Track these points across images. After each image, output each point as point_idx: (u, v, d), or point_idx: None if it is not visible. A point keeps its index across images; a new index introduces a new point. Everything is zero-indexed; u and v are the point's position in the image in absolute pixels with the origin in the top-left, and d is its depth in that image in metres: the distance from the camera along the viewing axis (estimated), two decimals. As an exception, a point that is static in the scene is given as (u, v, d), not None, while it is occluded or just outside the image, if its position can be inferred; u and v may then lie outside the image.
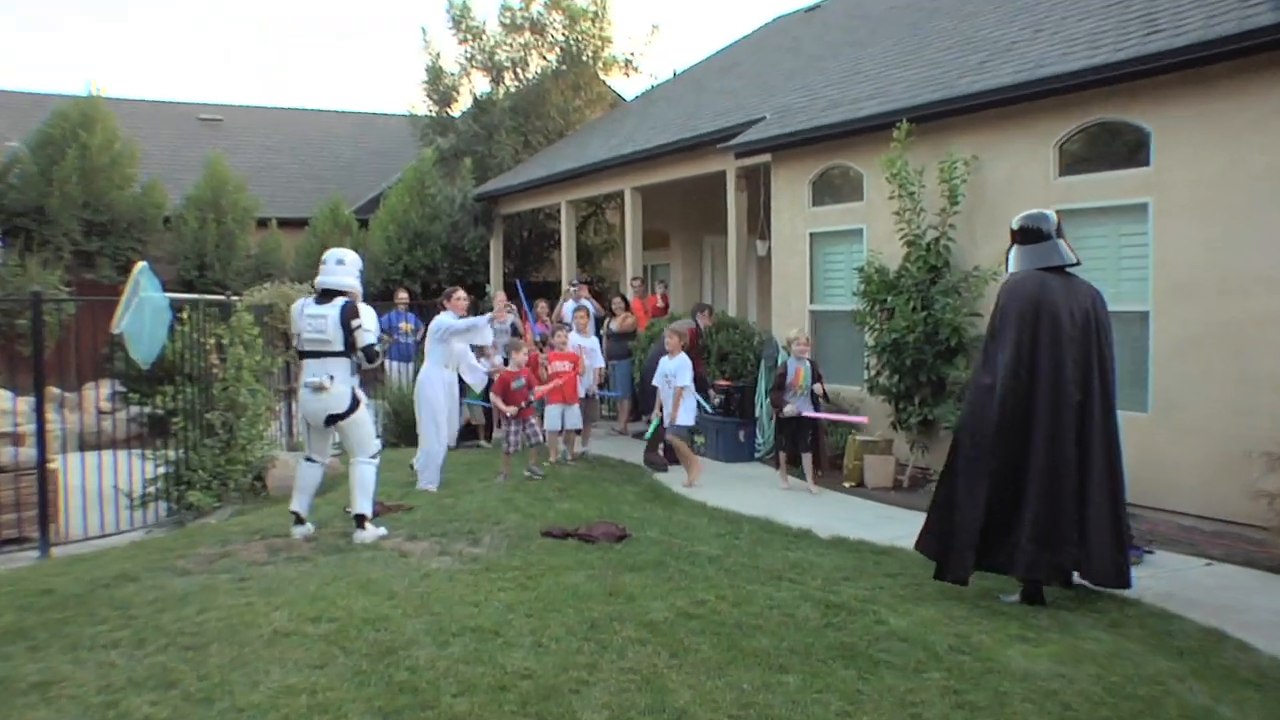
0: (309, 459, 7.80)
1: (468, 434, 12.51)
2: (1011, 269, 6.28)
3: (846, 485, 9.88)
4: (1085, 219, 8.68)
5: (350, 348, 7.49)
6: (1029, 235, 6.24)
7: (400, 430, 12.50)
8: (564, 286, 14.87)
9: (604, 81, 23.86)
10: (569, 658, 4.92)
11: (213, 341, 9.71)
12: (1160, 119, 8.09)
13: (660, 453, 10.88)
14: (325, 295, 7.56)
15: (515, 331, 13.81)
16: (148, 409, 9.60)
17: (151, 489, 9.26)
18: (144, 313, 8.28)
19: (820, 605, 5.78)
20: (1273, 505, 6.78)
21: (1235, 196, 7.62)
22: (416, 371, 12.30)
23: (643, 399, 10.59)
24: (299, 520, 7.68)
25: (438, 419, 9.63)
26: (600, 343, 13.92)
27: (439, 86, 22.20)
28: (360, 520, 7.53)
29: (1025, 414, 5.86)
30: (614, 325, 13.82)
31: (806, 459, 9.63)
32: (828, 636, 5.27)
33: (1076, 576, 5.97)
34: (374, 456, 7.70)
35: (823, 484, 9.92)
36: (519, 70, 22.33)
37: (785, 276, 12.06)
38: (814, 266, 11.71)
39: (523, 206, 19.47)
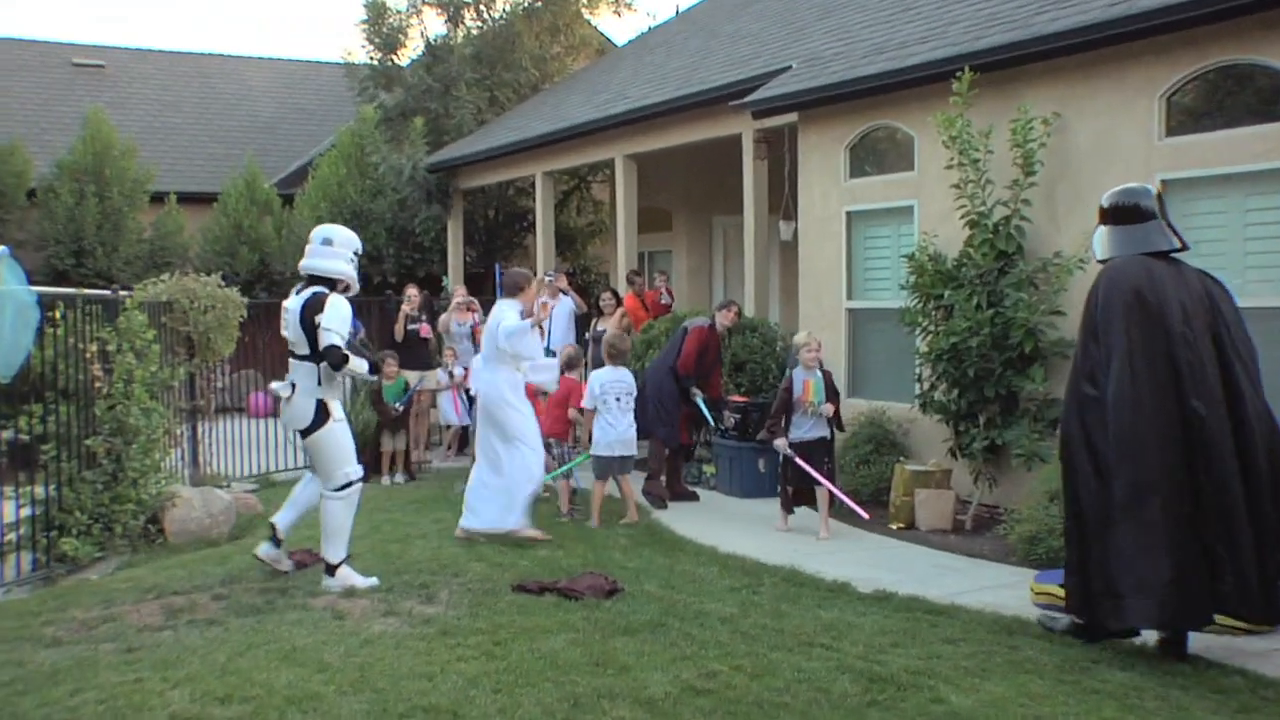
0: (311, 470, 8.00)
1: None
2: (1102, 255, 6.39)
3: (894, 527, 9.84)
4: (1200, 190, 8.65)
5: (317, 351, 7.51)
6: (1126, 214, 6.37)
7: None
8: (539, 278, 14.81)
9: (589, 22, 23.91)
10: (546, 746, 4.87)
11: (95, 348, 9.63)
12: (1298, 62, 8.05)
13: (664, 482, 10.84)
14: (308, 283, 7.64)
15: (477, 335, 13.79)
16: (8, 434, 9.51)
17: (12, 536, 9.16)
18: (2, 312, 8.21)
19: (862, 678, 5.72)
20: None
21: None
22: (375, 390, 12.36)
23: (642, 416, 10.54)
24: (273, 534, 7.86)
25: (520, 436, 9.27)
26: (587, 348, 13.90)
27: (382, 28, 22.21)
28: (329, 568, 7.60)
29: (1139, 434, 5.95)
30: (603, 327, 13.78)
31: (820, 494, 9.59)
32: (871, 718, 5.21)
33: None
34: (342, 489, 7.69)
35: (866, 526, 9.87)
36: (483, 7, 22.35)
37: (815, 266, 12.03)
38: (852, 253, 11.69)
39: (488, 179, 19.45)
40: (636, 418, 10.30)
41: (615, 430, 10.04)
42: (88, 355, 9.46)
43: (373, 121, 20.46)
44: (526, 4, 22.43)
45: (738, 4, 18.84)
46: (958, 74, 9.65)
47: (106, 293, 10.43)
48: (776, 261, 15.41)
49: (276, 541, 7.89)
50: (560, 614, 6.88)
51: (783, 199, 13.21)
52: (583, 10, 23.42)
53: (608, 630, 6.54)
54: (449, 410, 13.93)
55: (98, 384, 9.50)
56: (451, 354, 13.85)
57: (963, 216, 9.82)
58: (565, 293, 14.28)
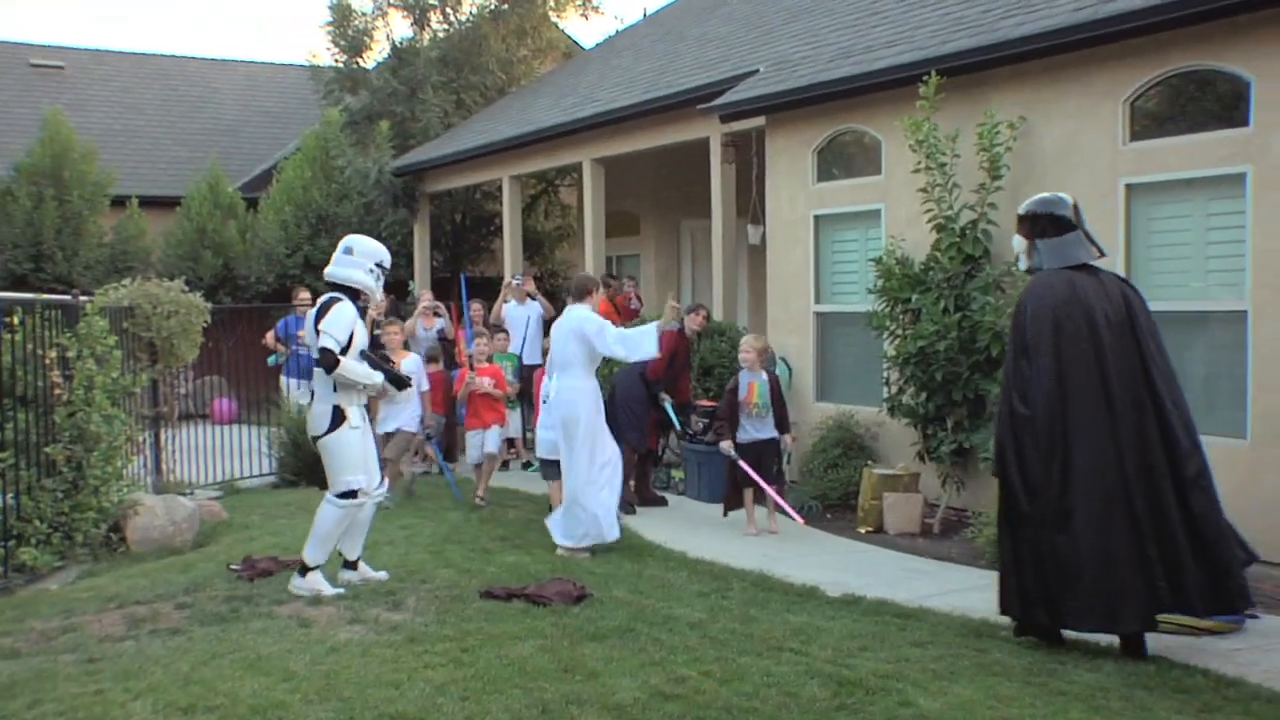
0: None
1: None
2: (1025, 266, 6.62)
3: (862, 530, 9.88)
4: (1164, 194, 8.74)
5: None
6: (1049, 225, 6.53)
7: (301, 466, 12.38)
8: (505, 282, 14.80)
9: (556, 25, 23.91)
10: (514, 753, 4.87)
11: (54, 354, 9.55)
12: (1264, 66, 8.15)
13: (633, 487, 10.85)
14: (328, 289, 7.80)
15: (444, 338, 13.76)
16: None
17: (-29, 545, 9.11)
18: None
19: (830, 682, 5.73)
20: None
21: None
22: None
23: (611, 422, 10.51)
24: (348, 565, 7.90)
25: (612, 456, 9.21)
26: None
27: (347, 30, 22.16)
28: (302, 569, 7.62)
29: (1070, 445, 6.15)
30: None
31: (772, 491, 9.69)
32: (841, 723, 5.22)
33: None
34: (344, 496, 7.67)
35: (834, 530, 9.91)
36: (449, 9, 22.31)
37: (783, 270, 12.07)
38: (819, 257, 11.73)
39: (454, 183, 19.41)
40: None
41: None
42: (47, 361, 9.39)
43: (338, 124, 20.39)
44: (493, 7, 22.42)
45: (705, 7, 18.89)
46: (924, 78, 9.71)
47: (66, 298, 10.35)
48: (745, 265, 15.45)
49: (349, 565, 7.90)
50: (528, 620, 6.87)
51: (750, 202, 13.26)
52: (549, 13, 23.43)
53: (576, 636, 6.53)
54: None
55: (57, 391, 9.42)
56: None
57: (930, 220, 9.88)
58: (533, 297, 14.28)
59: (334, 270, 7.76)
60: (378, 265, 7.82)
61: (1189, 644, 6.48)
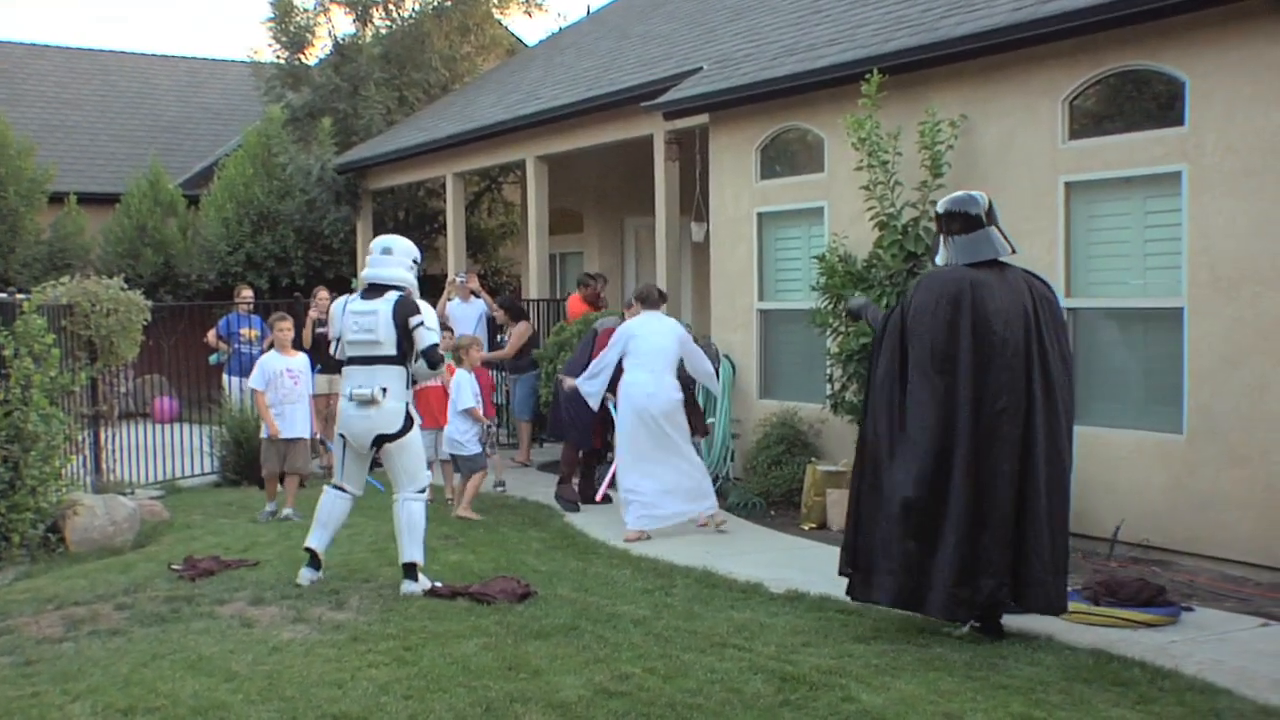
0: (337, 488, 7.89)
1: None
2: (941, 262, 6.82)
3: (806, 527, 9.92)
4: (1102, 192, 8.83)
5: (405, 353, 7.68)
6: (960, 222, 6.75)
7: (243, 465, 12.27)
8: (449, 279, 14.74)
9: (500, 22, 23.83)
10: (458, 752, 4.85)
11: (-9, 352, 9.42)
12: (1198, 66, 8.25)
13: (576, 486, 10.83)
14: (373, 290, 7.76)
15: None
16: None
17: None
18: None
19: (774, 678, 5.76)
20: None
21: (1290, 164, 7.81)
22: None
23: (555, 420, 10.50)
24: (313, 559, 7.81)
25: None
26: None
27: (288, 26, 21.95)
28: (409, 570, 7.64)
29: (941, 433, 6.42)
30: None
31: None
32: (784, 718, 5.25)
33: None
34: (423, 490, 7.83)
35: (777, 526, 9.96)
36: (392, 6, 22.18)
37: (727, 268, 12.10)
38: (763, 255, 11.77)
39: (397, 180, 19.31)
40: (550, 421, 10.51)
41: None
42: (-17, 360, 9.25)
43: (280, 121, 20.22)
44: (436, 3, 22.31)
45: (648, 5, 18.89)
46: (866, 76, 9.76)
47: (3, 296, 10.22)
48: (689, 262, 15.47)
49: (313, 560, 7.84)
50: (472, 619, 6.86)
51: (694, 200, 13.27)
52: (493, 10, 23.33)
53: (520, 634, 6.52)
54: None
55: (-6, 390, 9.28)
56: None
57: (872, 218, 9.93)
58: (476, 294, 14.21)
59: (380, 272, 7.79)
60: (415, 261, 7.97)
61: (1126, 637, 6.57)
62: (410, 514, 7.68)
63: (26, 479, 9.26)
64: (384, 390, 7.60)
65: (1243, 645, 6.50)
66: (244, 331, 13.99)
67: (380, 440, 7.70)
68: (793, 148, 11.53)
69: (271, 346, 13.77)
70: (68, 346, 11.06)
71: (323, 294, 14.11)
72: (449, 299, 14.02)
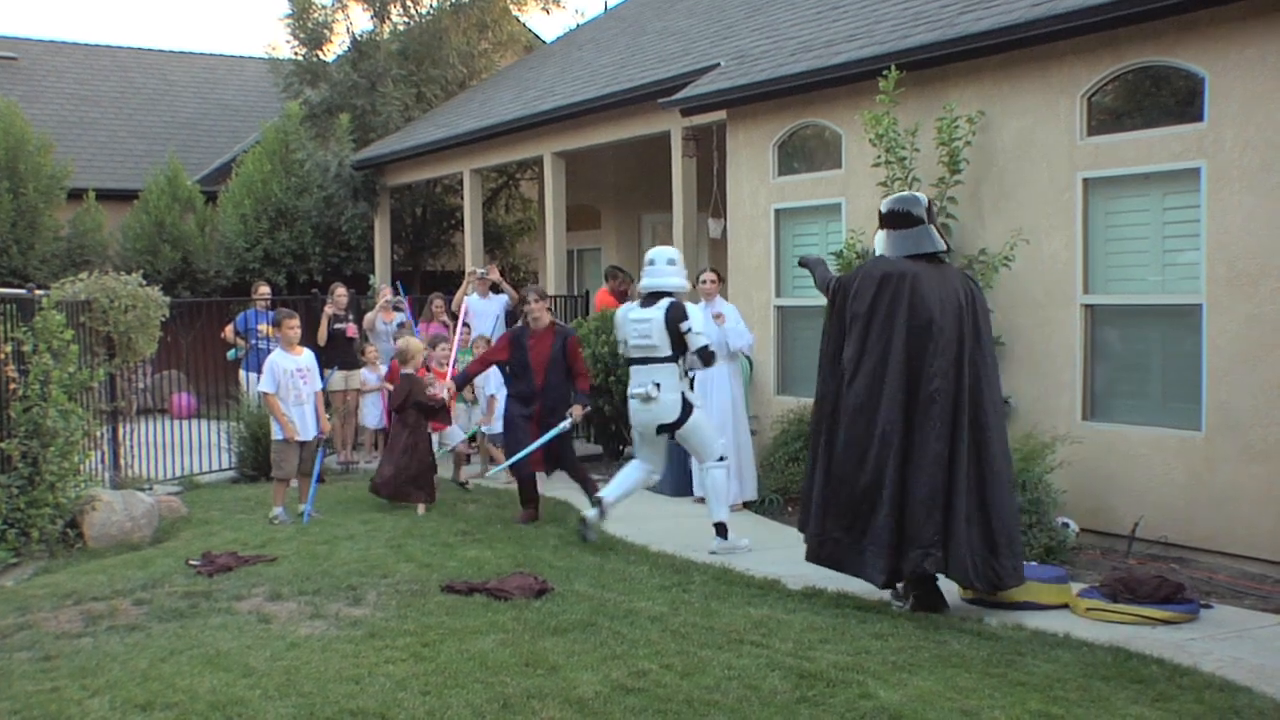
0: (641, 461, 9.20)
1: None
2: (880, 253, 7.29)
3: (824, 524, 9.91)
4: (1120, 189, 8.80)
5: (679, 352, 8.81)
6: (898, 220, 7.27)
7: (260, 461, 12.30)
8: (468, 272, 14.71)
9: (517, 19, 23.83)
10: (475, 748, 4.86)
11: (9, 349, 9.46)
12: (1218, 62, 8.21)
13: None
14: (650, 298, 8.94)
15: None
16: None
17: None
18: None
19: (791, 675, 5.77)
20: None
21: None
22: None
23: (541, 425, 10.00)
24: (598, 504, 8.97)
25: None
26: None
27: (306, 23, 21.98)
28: (721, 529, 8.82)
29: (874, 412, 6.89)
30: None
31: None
32: (801, 715, 5.25)
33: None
34: (722, 459, 9.00)
35: (794, 522, 9.93)
36: (409, 3, 22.21)
37: (744, 264, 12.08)
38: (780, 251, 11.75)
39: (415, 176, 19.34)
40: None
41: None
42: (1, 356, 9.29)
43: (298, 118, 20.26)
44: (454, 0, 22.31)
45: (666, 1, 18.88)
46: (884, 72, 9.74)
47: (22, 292, 10.25)
48: (706, 259, 15.44)
49: (602, 512, 8.97)
50: (489, 614, 6.87)
51: (711, 196, 13.26)
52: (510, 6, 23.33)
53: (537, 630, 6.54)
54: (371, 413, 13.69)
55: (13, 385, 9.32)
56: (373, 353, 13.69)
57: (890, 214, 9.90)
58: (498, 287, 14.14)
59: (664, 281, 8.94)
60: (669, 263, 9.07)
61: (1144, 634, 6.55)
62: (713, 480, 8.93)
63: (45, 475, 9.31)
64: (657, 386, 8.74)
65: (1262, 642, 6.48)
66: (261, 328, 14.02)
67: (663, 429, 8.88)
68: (810, 144, 11.51)
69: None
70: (86, 342, 11.10)
71: (340, 290, 14.14)
72: (467, 293, 14.01)
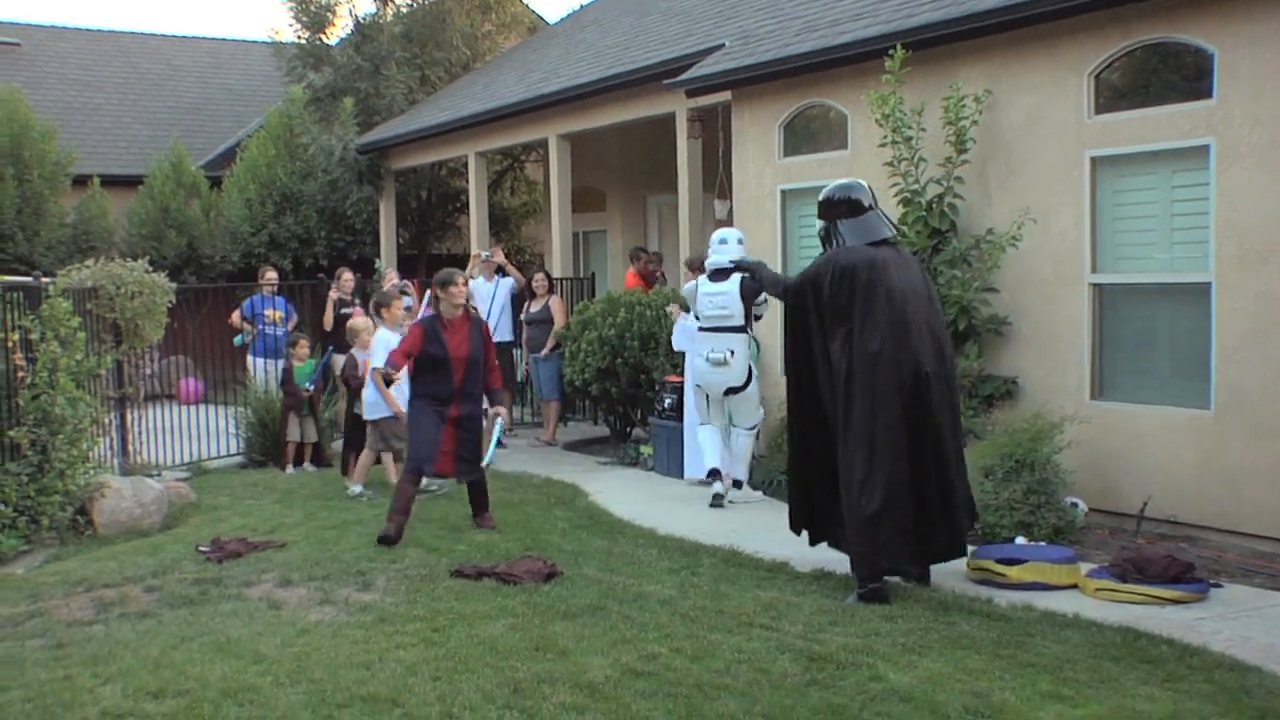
0: (704, 423, 10.12)
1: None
2: (838, 246, 7.31)
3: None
4: (1128, 167, 8.76)
5: (748, 323, 9.85)
6: (846, 208, 7.34)
7: (269, 446, 12.33)
8: (473, 255, 14.71)
9: (520, 0, 23.74)
10: (486, 733, 4.87)
11: (16, 337, 9.47)
12: (1227, 38, 8.16)
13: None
14: (719, 274, 9.74)
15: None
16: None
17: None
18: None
19: (801, 658, 5.78)
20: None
21: (1318, 136, 7.73)
22: (286, 370, 12.20)
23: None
24: (716, 475, 9.86)
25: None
26: (521, 330, 13.86)
27: (309, 6, 21.93)
28: (738, 484, 9.97)
29: (874, 396, 6.83)
30: (535, 308, 13.74)
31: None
32: (812, 697, 5.26)
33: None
34: (753, 428, 10.07)
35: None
36: (412, -15, 22.13)
37: (751, 245, 11.94)
38: (787, 231, 11.73)
39: (420, 160, 19.32)
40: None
41: None
42: (9, 344, 9.31)
43: (302, 102, 20.23)
44: (457, -19, 22.26)
45: (670, -19, 18.80)
46: (890, 52, 9.69)
47: (28, 279, 10.26)
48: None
49: (736, 484, 9.97)
50: (499, 599, 6.89)
51: (717, 177, 13.24)
52: (514, -13, 23.29)
53: (547, 615, 6.55)
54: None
55: (21, 373, 9.34)
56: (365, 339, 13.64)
57: (896, 195, 9.88)
58: (503, 270, 14.14)
59: (722, 259, 9.67)
60: (740, 241, 9.99)
61: (1153, 614, 6.55)
62: (741, 444, 10.05)
63: (55, 462, 9.34)
64: (732, 353, 9.70)
65: (1272, 621, 6.47)
66: (268, 313, 14.03)
67: (729, 390, 9.82)
68: (816, 124, 11.48)
69: (298, 327, 13.86)
70: (93, 329, 11.11)
71: (347, 275, 14.15)
72: (471, 276, 13.99)
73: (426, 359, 8.75)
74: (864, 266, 6.98)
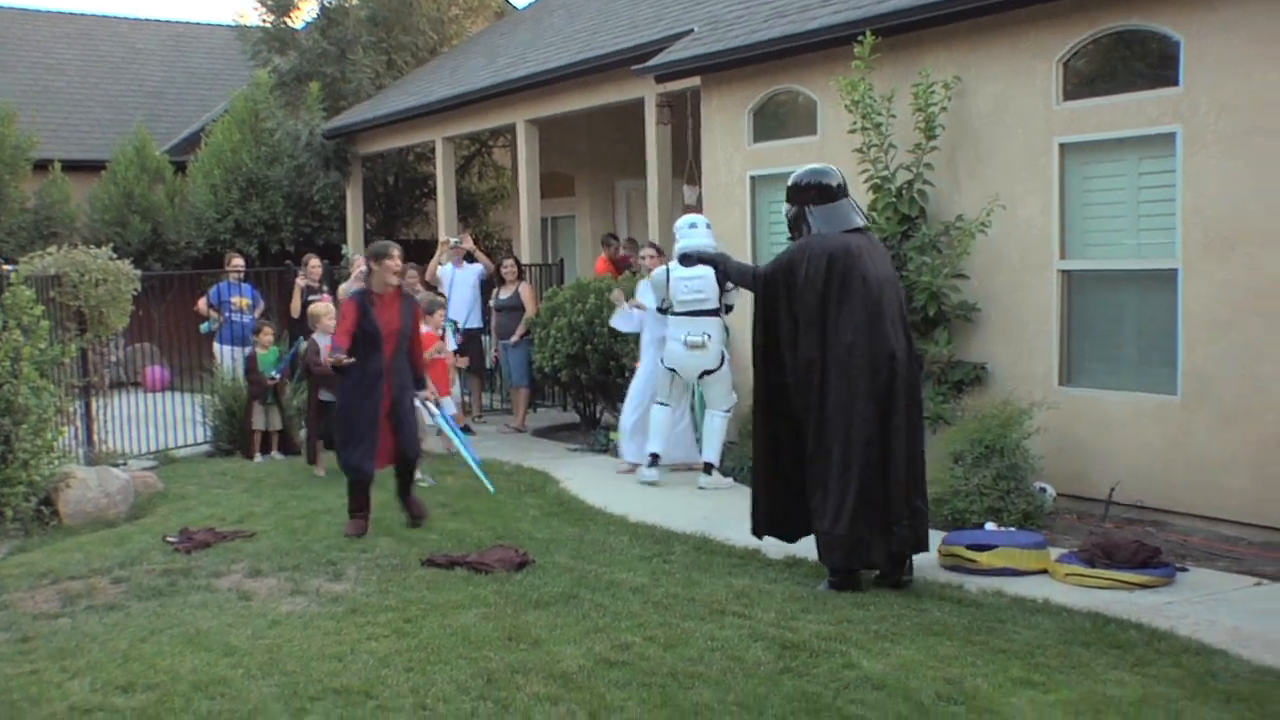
0: (662, 404, 10.25)
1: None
2: (807, 232, 7.21)
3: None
4: (1096, 154, 8.80)
5: (720, 306, 10.11)
6: (817, 194, 7.24)
7: (236, 434, 12.24)
8: (441, 241, 14.65)
9: (488, -17, 23.63)
10: (460, 724, 4.85)
11: (-19, 325, 9.36)
12: (1193, 25, 8.19)
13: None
14: (690, 259, 9.01)
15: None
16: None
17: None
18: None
19: (774, 646, 5.79)
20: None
21: (1285, 123, 7.76)
22: (250, 357, 12.13)
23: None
24: (655, 461, 10.10)
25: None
26: (489, 316, 13.82)
27: (274, -10, 21.74)
28: (709, 468, 10.01)
29: (849, 387, 6.77)
30: (505, 295, 13.69)
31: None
32: (785, 685, 5.28)
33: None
34: (728, 410, 10.20)
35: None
36: (378, -32, 21.96)
37: (720, 231, 11.92)
38: (756, 218, 11.72)
39: (387, 145, 19.22)
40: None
41: None
42: (-27, 333, 9.20)
43: (267, 86, 20.06)
44: (423, -35, 22.11)
45: (637, -35, 18.73)
46: (860, 38, 9.68)
47: (-9, 267, 10.14)
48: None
49: (707, 468, 10.05)
50: (471, 588, 6.87)
51: (687, 164, 13.22)
52: (480, -29, 23.17)
53: (519, 604, 6.54)
54: None
55: (-16, 363, 9.23)
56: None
57: (866, 181, 9.89)
58: (472, 256, 14.09)
59: (693, 244, 9.55)
60: (708, 226, 10.31)
61: (1122, 598, 6.60)
62: (714, 425, 10.14)
63: (18, 452, 9.23)
64: (709, 336, 9.98)
65: (1237, 605, 6.53)
66: (235, 300, 13.93)
67: (705, 373, 10.07)
68: (785, 110, 11.46)
69: (265, 315, 13.78)
70: (57, 318, 10.98)
71: (314, 262, 14.06)
72: (440, 263, 13.95)
73: (357, 334, 8.31)
74: (840, 254, 6.89)
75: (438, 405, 9.32)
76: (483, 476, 9.14)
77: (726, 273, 7.99)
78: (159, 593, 6.95)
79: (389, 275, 8.44)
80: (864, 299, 6.81)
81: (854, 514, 6.73)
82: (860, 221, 7.25)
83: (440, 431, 9.83)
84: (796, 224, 7.32)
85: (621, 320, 10.96)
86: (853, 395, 6.76)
